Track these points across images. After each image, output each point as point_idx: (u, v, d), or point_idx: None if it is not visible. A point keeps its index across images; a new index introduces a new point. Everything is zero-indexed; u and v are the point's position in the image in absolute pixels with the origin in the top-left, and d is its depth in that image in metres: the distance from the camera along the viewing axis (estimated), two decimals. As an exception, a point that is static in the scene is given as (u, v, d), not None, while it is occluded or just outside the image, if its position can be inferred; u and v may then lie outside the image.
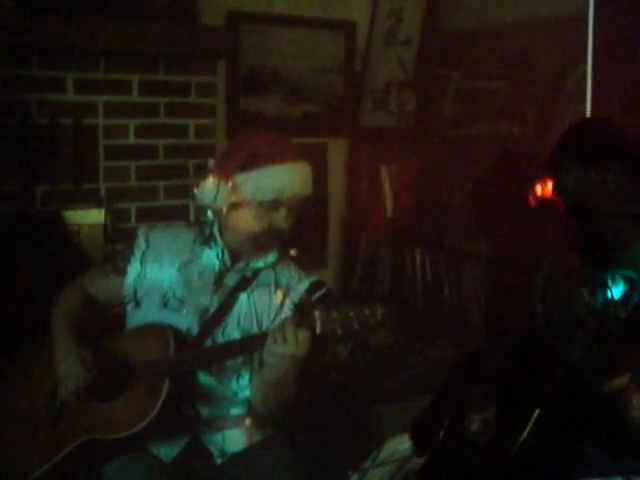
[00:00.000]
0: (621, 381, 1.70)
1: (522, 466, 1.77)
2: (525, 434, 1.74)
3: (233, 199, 2.29)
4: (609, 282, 1.88)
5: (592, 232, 1.86)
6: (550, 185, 1.91)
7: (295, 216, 2.33)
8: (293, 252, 2.41)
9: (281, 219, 2.29)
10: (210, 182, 2.30)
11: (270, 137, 2.37)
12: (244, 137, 2.48)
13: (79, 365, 2.23)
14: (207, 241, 2.39)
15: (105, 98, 3.23)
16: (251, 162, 2.29)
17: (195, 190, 2.37)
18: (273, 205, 2.28)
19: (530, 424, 1.74)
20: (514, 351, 2.01)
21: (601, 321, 1.89)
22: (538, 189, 1.96)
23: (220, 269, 2.36)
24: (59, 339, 2.32)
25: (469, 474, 1.82)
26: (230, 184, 2.28)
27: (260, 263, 2.38)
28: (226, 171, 2.31)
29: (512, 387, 1.90)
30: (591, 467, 1.83)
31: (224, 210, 2.30)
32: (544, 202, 1.96)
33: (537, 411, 1.75)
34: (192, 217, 3.33)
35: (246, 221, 2.31)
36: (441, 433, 1.90)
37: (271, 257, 2.38)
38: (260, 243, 2.32)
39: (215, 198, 2.29)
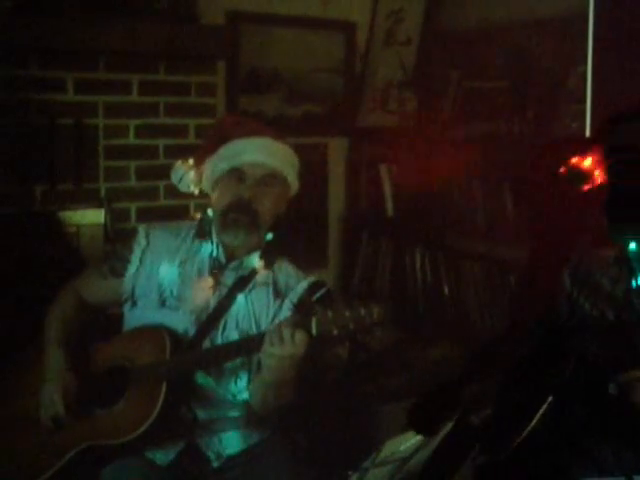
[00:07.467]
0: (635, 373, 1.70)
1: (528, 461, 1.76)
2: (535, 422, 1.73)
3: (205, 183, 2.40)
4: (636, 269, 1.87)
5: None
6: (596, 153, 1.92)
7: (269, 195, 2.31)
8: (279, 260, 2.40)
9: (245, 189, 2.29)
10: (179, 166, 2.44)
11: (236, 118, 2.42)
12: (215, 123, 2.55)
13: (59, 396, 2.23)
14: (204, 237, 2.39)
15: (105, 98, 3.23)
16: (218, 143, 2.36)
17: (172, 176, 2.47)
18: (236, 175, 2.31)
19: (542, 411, 1.74)
20: (533, 338, 2.01)
21: (620, 311, 1.89)
22: (585, 161, 1.97)
23: (216, 266, 2.35)
24: (48, 355, 2.30)
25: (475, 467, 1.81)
26: (202, 168, 2.39)
27: (254, 261, 2.36)
28: (198, 156, 2.41)
29: (527, 374, 1.89)
30: (594, 464, 1.83)
31: (196, 191, 2.42)
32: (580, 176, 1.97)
33: (550, 399, 1.74)
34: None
35: (216, 200, 2.36)
36: (444, 427, 1.89)
37: (258, 253, 2.35)
38: (229, 219, 2.30)
39: (182, 180, 2.43)
